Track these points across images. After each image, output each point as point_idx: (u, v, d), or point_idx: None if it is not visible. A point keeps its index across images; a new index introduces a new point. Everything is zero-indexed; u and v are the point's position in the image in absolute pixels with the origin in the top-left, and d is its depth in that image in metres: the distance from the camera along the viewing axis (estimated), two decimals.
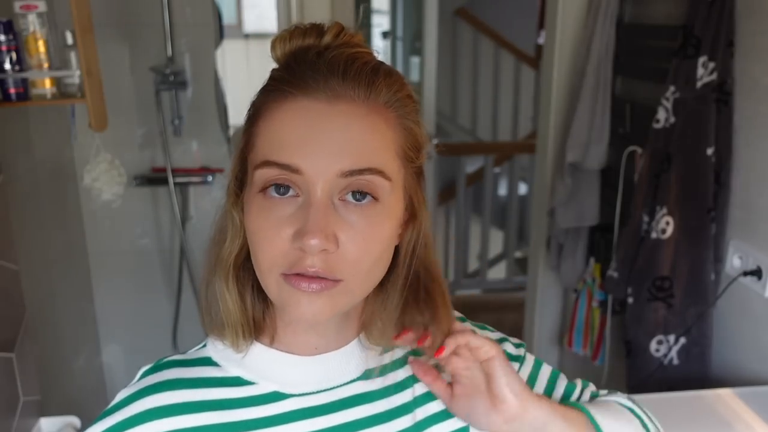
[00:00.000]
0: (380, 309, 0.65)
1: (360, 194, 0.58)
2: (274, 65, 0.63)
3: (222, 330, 0.65)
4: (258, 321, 0.66)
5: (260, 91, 0.62)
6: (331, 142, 0.56)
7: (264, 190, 0.58)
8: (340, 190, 0.57)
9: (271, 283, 0.59)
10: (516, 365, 0.74)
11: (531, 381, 0.75)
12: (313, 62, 0.58)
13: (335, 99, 0.57)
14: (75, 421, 1.38)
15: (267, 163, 0.57)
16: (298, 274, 0.57)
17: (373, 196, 0.58)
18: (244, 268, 0.64)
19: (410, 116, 0.61)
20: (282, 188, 0.58)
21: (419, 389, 0.69)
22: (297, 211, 0.57)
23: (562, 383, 0.77)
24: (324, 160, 0.56)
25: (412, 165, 0.62)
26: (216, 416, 0.63)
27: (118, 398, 0.66)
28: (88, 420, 1.34)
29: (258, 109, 0.61)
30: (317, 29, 0.62)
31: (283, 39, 0.62)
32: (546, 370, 0.77)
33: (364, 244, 0.58)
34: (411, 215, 0.64)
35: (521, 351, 0.76)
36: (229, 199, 0.64)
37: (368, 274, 0.60)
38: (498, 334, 0.77)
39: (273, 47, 0.63)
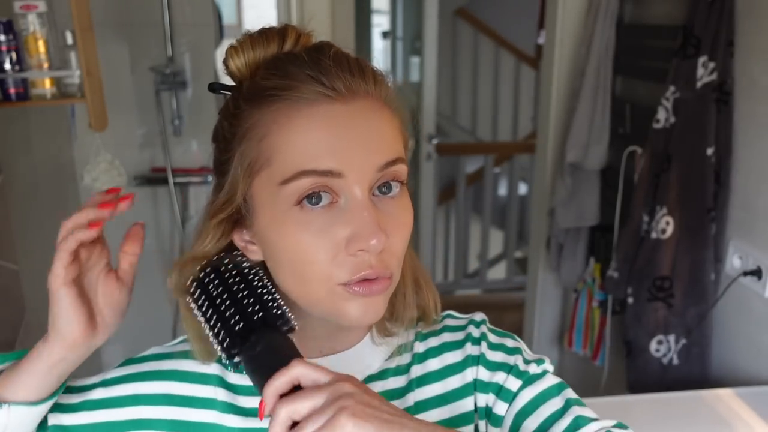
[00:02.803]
0: (400, 296, 0.67)
1: (386, 186, 0.58)
2: None
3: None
4: None
5: (249, 104, 0.58)
6: (363, 140, 0.56)
7: (300, 202, 0.56)
8: (375, 185, 0.57)
9: (321, 296, 0.58)
10: (518, 382, 0.67)
11: (529, 407, 0.65)
12: (313, 63, 0.57)
13: (352, 96, 0.57)
14: None
15: (303, 174, 0.55)
16: (363, 281, 0.57)
17: (401, 189, 0.59)
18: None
19: (399, 103, 0.62)
20: (315, 198, 0.56)
21: (420, 395, 0.68)
22: (341, 215, 0.56)
23: (566, 419, 0.65)
24: (361, 159, 0.56)
25: (407, 148, 0.64)
26: (230, 396, 0.66)
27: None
28: None
29: (263, 124, 0.57)
30: (278, 34, 0.60)
31: (242, 48, 0.60)
32: (555, 402, 0.66)
33: (403, 232, 0.59)
34: None
35: (533, 368, 0.68)
36: (217, 217, 0.61)
37: (402, 261, 0.61)
38: (516, 344, 0.71)
39: (230, 57, 0.60)
